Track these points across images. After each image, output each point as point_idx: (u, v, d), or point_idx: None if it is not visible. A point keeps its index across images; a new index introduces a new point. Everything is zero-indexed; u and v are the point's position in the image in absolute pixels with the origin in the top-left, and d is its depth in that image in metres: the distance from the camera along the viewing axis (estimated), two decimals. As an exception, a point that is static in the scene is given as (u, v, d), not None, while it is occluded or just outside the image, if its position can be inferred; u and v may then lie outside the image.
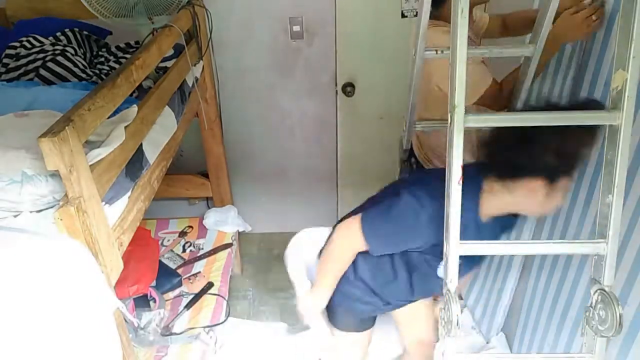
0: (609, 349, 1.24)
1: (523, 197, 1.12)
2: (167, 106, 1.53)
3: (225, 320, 2.04)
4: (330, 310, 1.53)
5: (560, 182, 1.09)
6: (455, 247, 1.01)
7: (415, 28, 1.40)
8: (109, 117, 1.13)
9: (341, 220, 1.42)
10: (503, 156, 1.13)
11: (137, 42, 1.96)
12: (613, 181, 0.94)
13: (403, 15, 2.26)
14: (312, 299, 1.43)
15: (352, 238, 1.31)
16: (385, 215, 1.27)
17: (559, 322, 1.53)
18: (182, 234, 2.50)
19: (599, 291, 0.99)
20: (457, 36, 0.92)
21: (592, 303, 1.01)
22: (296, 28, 2.31)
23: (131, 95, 1.36)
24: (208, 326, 1.96)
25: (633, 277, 1.16)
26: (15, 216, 0.97)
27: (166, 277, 2.10)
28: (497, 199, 1.17)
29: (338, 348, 1.61)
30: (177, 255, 2.34)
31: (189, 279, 2.19)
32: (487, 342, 2.00)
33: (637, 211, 1.15)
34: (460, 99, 0.94)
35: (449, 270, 1.03)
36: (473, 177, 1.15)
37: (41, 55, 1.66)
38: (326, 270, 1.39)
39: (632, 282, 1.17)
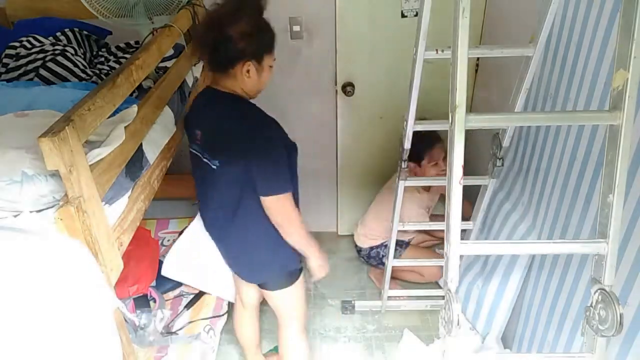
0: (609, 349, 1.24)
1: (244, 78, 1.40)
2: (167, 106, 1.53)
3: (225, 314, 2.04)
4: (280, 272, 1.62)
5: (264, 59, 1.41)
6: (456, 247, 1.01)
7: (417, 27, 1.41)
8: (109, 117, 1.13)
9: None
10: (216, 56, 1.39)
11: (137, 42, 1.96)
12: (614, 181, 0.94)
13: (403, 15, 2.26)
14: (317, 258, 1.58)
15: (284, 203, 1.43)
16: (276, 167, 1.41)
17: (559, 322, 1.53)
18: (182, 234, 2.50)
19: (599, 291, 0.99)
20: (457, 36, 0.92)
21: (592, 303, 1.01)
22: (296, 28, 2.31)
23: (131, 95, 1.36)
24: (209, 317, 1.98)
25: (633, 277, 1.16)
26: (15, 216, 0.97)
27: (166, 277, 2.10)
28: (237, 85, 1.43)
29: (300, 298, 1.73)
30: (177, 255, 2.34)
31: (189, 279, 2.18)
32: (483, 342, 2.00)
33: (637, 211, 1.15)
34: (461, 98, 0.94)
35: (450, 270, 1.03)
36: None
37: (41, 55, 1.66)
38: (302, 237, 1.52)
39: (632, 282, 1.17)
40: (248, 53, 1.36)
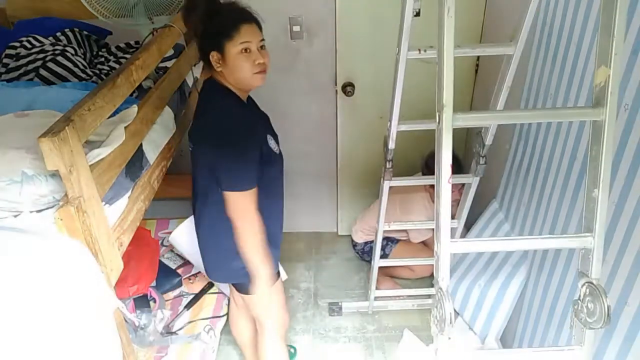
0: (609, 349, 1.24)
1: (217, 68, 1.39)
2: (167, 106, 1.53)
3: (225, 314, 2.04)
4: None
5: (225, 48, 1.35)
6: (447, 245, 1.02)
7: (399, 27, 1.41)
8: (109, 117, 1.13)
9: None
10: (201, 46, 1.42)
11: (137, 42, 1.96)
12: (598, 176, 0.95)
13: (403, 15, 2.25)
14: (262, 284, 1.46)
15: (243, 202, 1.36)
16: (240, 161, 1.35)
17: (559, 322, 1.53)
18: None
19: (586, 284, 1.00)
20: (443, 36, 0.93)
21: (580, 296, 1.01)
22: (296, 28, 2.31)
23: (131, 95, 1.36)
24: (209, 317, 1.98)
25: (633, 277, 1.16)
26: (15, 216, 0.97)
27: (166, 277, 2.10)
28: (217, 75, 1.42)
29: (271, 303, 1.64)
30: (177, 255, 2.34)
31: (189, 279, 2.19)
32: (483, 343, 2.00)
33: (638, 211, 1.15)
34: (448, 98, 0.95)
35: (441, 268, 1.03)
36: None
37: (41, 56, 1.66)
38: (253, 247, 1.40)
39: (632, 282, 1.17)
40: (206, 46, 1.39)
